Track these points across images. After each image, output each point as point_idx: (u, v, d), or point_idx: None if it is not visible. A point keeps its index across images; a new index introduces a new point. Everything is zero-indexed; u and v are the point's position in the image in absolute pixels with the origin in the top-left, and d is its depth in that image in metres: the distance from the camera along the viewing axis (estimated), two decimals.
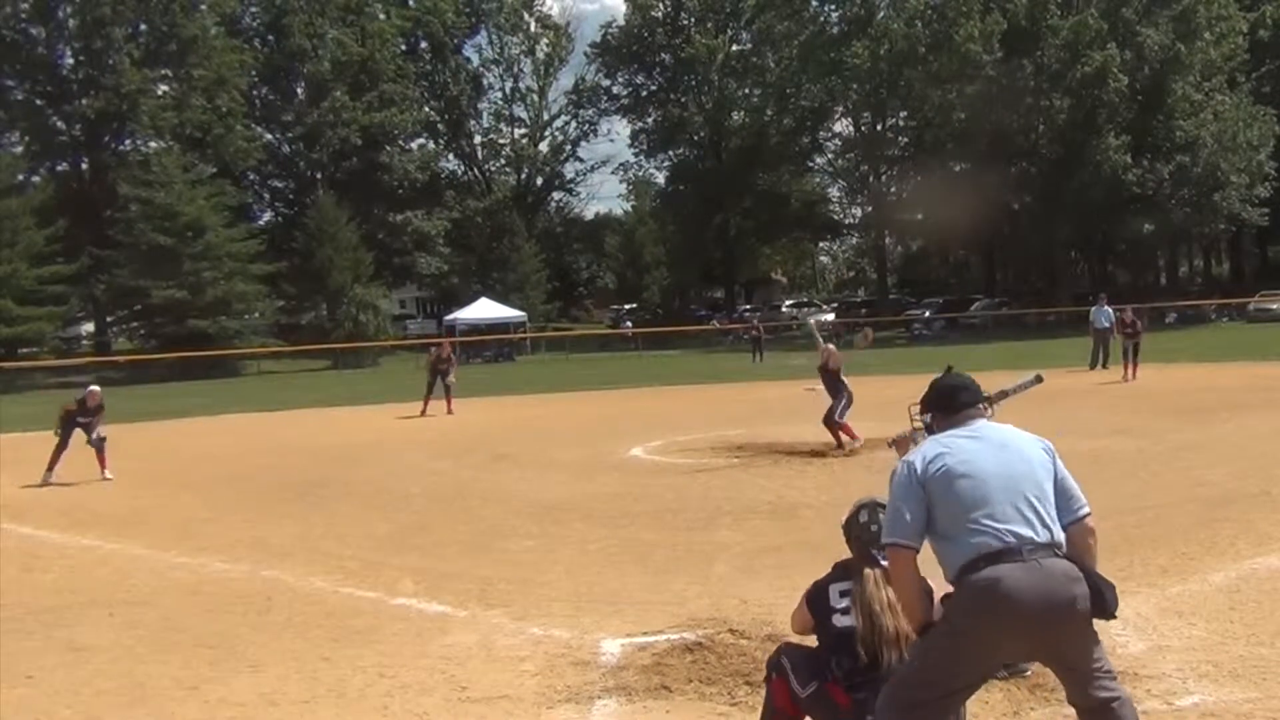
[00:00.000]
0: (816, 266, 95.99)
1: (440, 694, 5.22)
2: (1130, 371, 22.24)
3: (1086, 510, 3.73)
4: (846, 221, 68.59)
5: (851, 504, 4.39)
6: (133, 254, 44.78)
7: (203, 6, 52.39)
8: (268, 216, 61.81)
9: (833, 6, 58.07)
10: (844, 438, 12.88)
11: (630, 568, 7.72)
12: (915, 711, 3.48)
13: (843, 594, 4.22)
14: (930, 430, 3.91)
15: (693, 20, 63.61)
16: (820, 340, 14.25)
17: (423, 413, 20.93)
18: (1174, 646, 5.30)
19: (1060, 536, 3.57)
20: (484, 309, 51.64)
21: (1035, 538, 3.48)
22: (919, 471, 3.57)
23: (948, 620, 3.48)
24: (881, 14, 52.87)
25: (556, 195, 73.01)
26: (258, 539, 9.45)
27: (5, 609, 7.18)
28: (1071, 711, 4.60)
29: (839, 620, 4.17)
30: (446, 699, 5.16)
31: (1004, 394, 4.82)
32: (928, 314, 54.25)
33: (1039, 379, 5.30)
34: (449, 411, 20.83)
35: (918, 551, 3.53)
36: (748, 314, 60.65)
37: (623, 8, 67.30)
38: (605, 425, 17.96)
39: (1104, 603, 3.49)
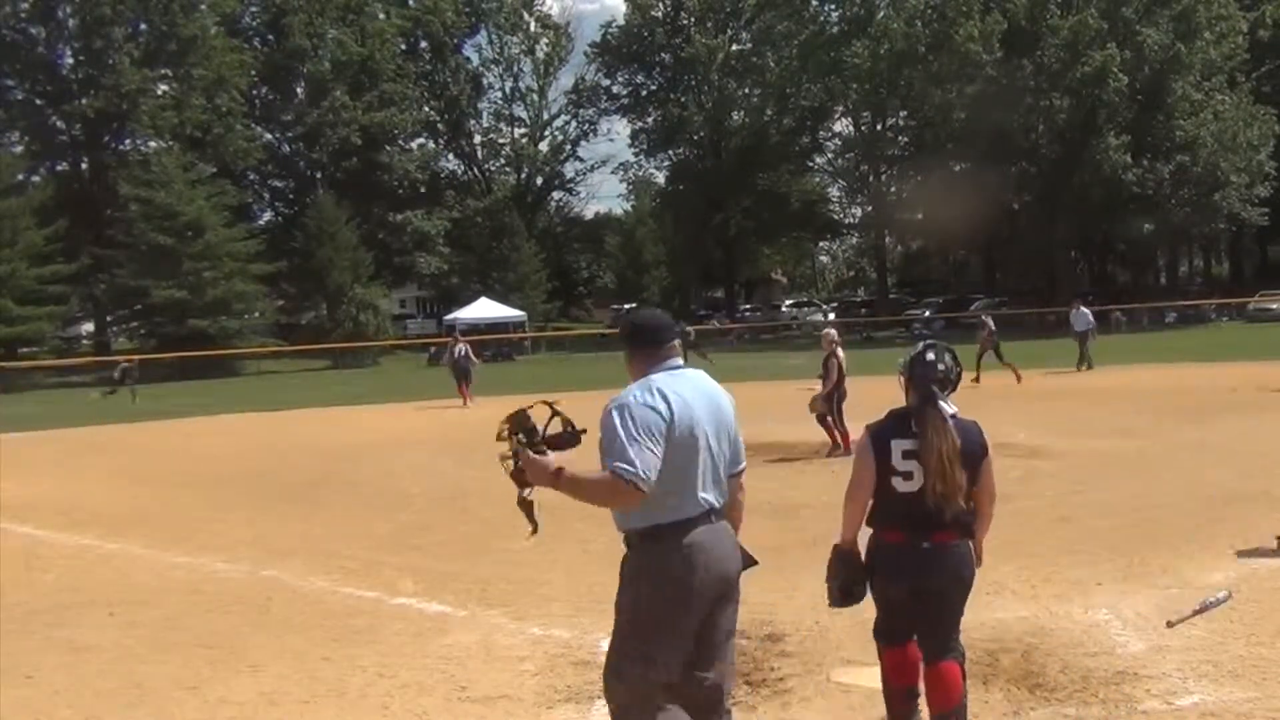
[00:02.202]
0: (816, 266, 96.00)
1: (440, 694, 5.22)
2: (979, 375, 22.18)
3: (744, 464, 3.79)
4: (846, 221, 68.60)
5: (917, 345, 4.28)
6: (133, 254, 44.80)
7: (203, 6, 52.36)
8: (268, 216, 61.86)
9: (833, 6, 58.10)
10: (839, 439, 12.87)
11: None
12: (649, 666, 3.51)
13: (906, 454, 4.03)
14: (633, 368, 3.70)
15: (693, 20, 63.58)
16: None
17: (465, 405, 22.56)
18: (1174, 646, 5.29)
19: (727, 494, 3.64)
20: (484, 309, 51.62)
21: (716, 503, 3.58)
22: (668, 410, 3.44)
23: (652, 569, 3.52)
24: (881, 14, 52.86)
25: (556, 195, 73.10)
26: (258, 539, 9.45)
27: (5, 609, 7.18)
28: (1072, 710, 4.62)
29: (901, 485, 4.03)
30: (446, 699, 5.16)
31: (1197, 611, 4.98)
32: (927, 314, 54.25)
33: (1229, 596, 5.22)
34: (466, 404, 22.51)
35: (647, 495, 3.42)
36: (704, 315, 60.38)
37: (623, 7, 67.37)
38: None
39: (750, 559, 3.79)
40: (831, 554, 4.32)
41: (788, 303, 71.63)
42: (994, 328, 23.47)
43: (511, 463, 3.70)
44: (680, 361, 3.68)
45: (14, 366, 40.65)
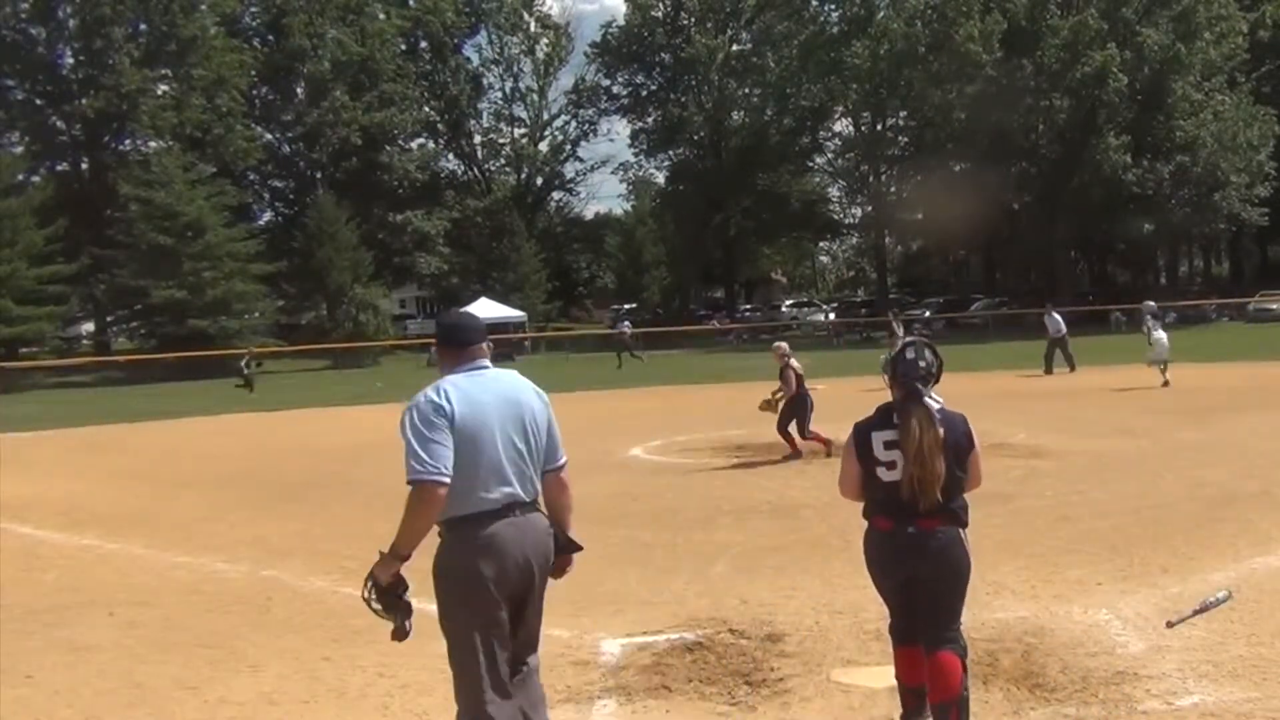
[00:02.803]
0: (816, 266, 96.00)
1: (440, 694, 5.21)
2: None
3: (565, 458, 4.02)
4: (846, 221, 68.59)
5: (897, 343, 4.44)
6: (133, 254, 44.77)
7: (203, 6, 52.33)
8: (268, 216, 61.82)
9: (833, 6, 58.10)
10: (800, 445, 12.72)
11: (630, 568, 7.71)
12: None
13: (888, 445, 4.16)
14: (438, 366, 3.93)
15: (693, 20, 63.57)
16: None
17: None
18: (1174, 646, 5.29)
19: (539, 489, 3.88)
20: (484, 309, 51.46)
21: (523, 496, 3.77)
22: (448, 409, 3.67)
23: (443, 583, 3.76)
24: (881, 14, 52.86)
25: (556, 195, 73.05)
26: (258, 539, 9.45)
27: (5, 609, 7.18)
28: (1072, 710, 4.62)
29: (884, 474, 4.17)
30: (446, 699, 5.12)
31: (1197, 611, 4.95)
32: (928, 314, 54.26)
33: (1229, 596, 5.23)
34: None
35: (448, 487, 3.62)
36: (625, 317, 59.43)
37: (623, 8, 67.37)
38: (605, 425, 17.95)
39: (570, 547, 4.04)
40: None
41: (788, 303, 71.63)
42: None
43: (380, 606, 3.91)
44: (485, 363, 3.90)
45: (14, 366, 40.64)
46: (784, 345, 13.34)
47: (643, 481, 11.70)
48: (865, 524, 4.34)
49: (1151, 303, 24.69)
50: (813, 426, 12.76)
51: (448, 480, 3.61)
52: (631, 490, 11.09)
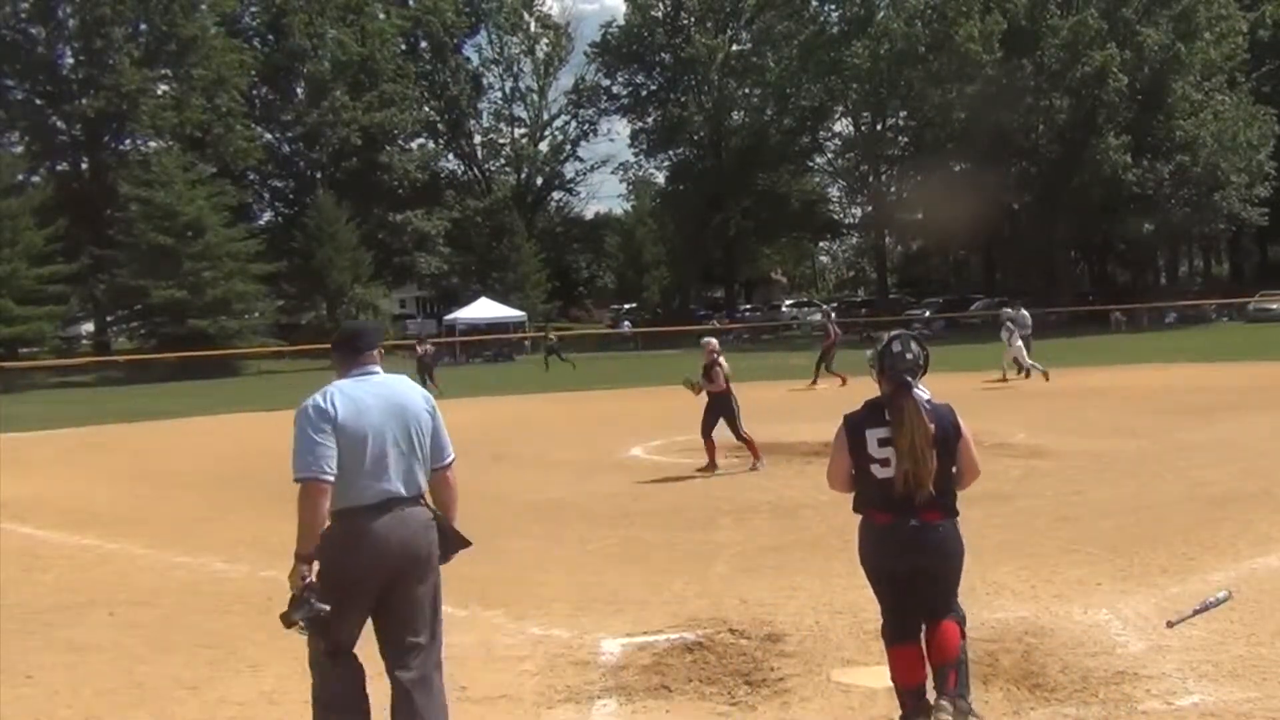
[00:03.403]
0: (816, 266, 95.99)
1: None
2: (817, 379, 23.09)
3: (452, 457, 4.34)
4: (846, 221, 68.62)
5: (882, 337, 4.48)
6: (133, 254, 44.77)
7: (203, 6, 52.36)
8: (268, 216, 61.79)
9: (833, 6, 58.12)
10: (716, 457, 12.13)
11: (630, 568, 7.72)
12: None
13: (882, 443, 4.20)
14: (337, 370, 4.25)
15: (693, 20, 63.56)
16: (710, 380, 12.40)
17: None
18: (1174, 646, 5.29)
19: (423, 487, 4.17)
20: (484, 309, 51.62)
21: (404, 492, 4.05)
22: (332, 412, 3.97)
23: (321, 563, 3.95)
24: (881, 14, 52.88)
25: (556, 195, 73.03)
26: (258, 539, 9.45)
27: (5, 609, 7.18)
28: (1072, 710, 4.62)
29: (879, 471, 4.21)
30: (446, 699, 5.15)
31: (1197, 611, 4.97)
32: (927, 314, 54.28)
33: (1229, 596, 5.25)
34: (437, 393, 23.30)
35: (333, 484, 3.91)
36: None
37: (623, 7, 67.35)
38: (605, 425, 17.96)
39: (454, 542, 4.29)
40: None
41: (788, 303, 71.60)
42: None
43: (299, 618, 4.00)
44: (375, 369, 4.22)
45: (14, 366, 40.64)
46: (714, 341, 12.76)
47: (643, 481, 11.70)
48: (859, 518, 4.37)
49: (1009, 309, 25.17)
50: (746, 431, 12.16)
51: (329, 478, 3.90)
52: (631, 490, 11.09)
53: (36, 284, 42.79)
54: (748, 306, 70.39)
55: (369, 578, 3.99)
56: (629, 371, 33.50)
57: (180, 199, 44.84)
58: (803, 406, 19.28)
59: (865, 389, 4.70)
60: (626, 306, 68.75)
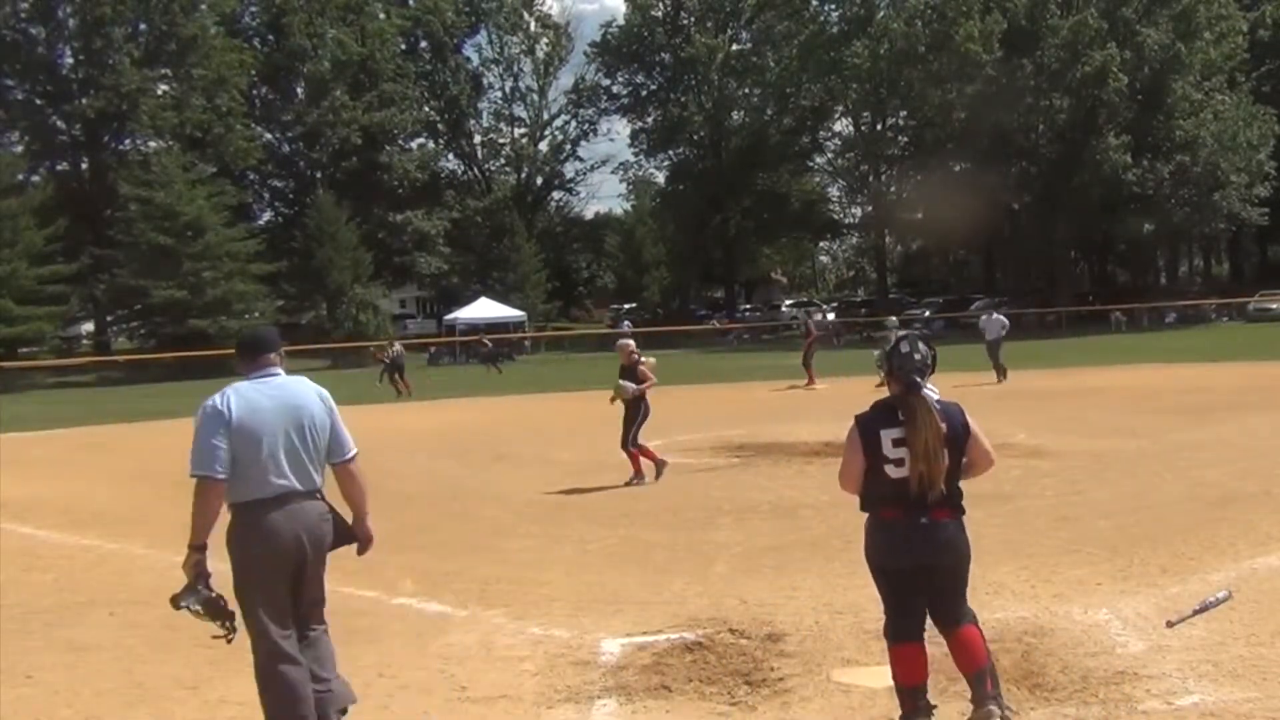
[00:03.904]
0: (816, 266, 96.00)
1: (440, 694, 5.22)
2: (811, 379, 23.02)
3: (354, 452, 4.57)
4: (846, 221, 68.64)
5: (890, 338, 4.54)
6: (133, 254, 44.78)
7: (203, 6, 52.37)
8: (268, 216, 61.89)
9: (833, 6, 58.12)
10: (644, 463, 11.51)
11: (630, 568, 7.72)
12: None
13: (896, 443, 4.23)
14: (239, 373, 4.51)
15: (693, 20, 63.60)
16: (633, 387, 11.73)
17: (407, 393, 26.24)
18: (1174, 646, 5.29)
19: (320, 481, 4.41)
20: (484, 309, 51.61)
21: (299, 487, 4.30)
22: (227, 413, 4.24)
23: (233, 552, 4.30)
24: (881, 14, 52.89)
25: (556, 195, 73.09)
26: None
27: (5, 609, 7.18)
28: (1072, 710, 4.62)
29: (893, 471, 4.24)
30: (446, 699, 5.16)
31: (1197, 611, 5.01)
32: (927, 314, 54.27)
33: (1229, 596, 5.26)
34: (409, 394, 26.18)
35: (224, 481, 4.19)
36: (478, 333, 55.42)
37: (622, 7, 67.38)
38: (605, 425, 17.94)
39: (349, 533, 4.54)
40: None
41: (787, 303, 71.62)
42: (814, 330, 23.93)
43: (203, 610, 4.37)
44: (276, 371, 4.49)
45: (14, 366, 40.64)
46: (631, 342, 12.23)
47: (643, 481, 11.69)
48: (866, 516, 4.39)
49: (893, 318, 25.30)
50: (639, 444, 11.53)
51: (222, 475, 4.19)
52: (631, 490, 11.09)
53: (36, 284, 42.79)
54: (748, 306, 70.39)
55: (275, 564, 4.29)
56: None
57: (180, 199, 44.84)
58: (803, 406, 19.28)
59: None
60: (626, 306, 68.75)
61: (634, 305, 68.62)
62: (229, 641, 4.38)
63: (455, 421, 19.78)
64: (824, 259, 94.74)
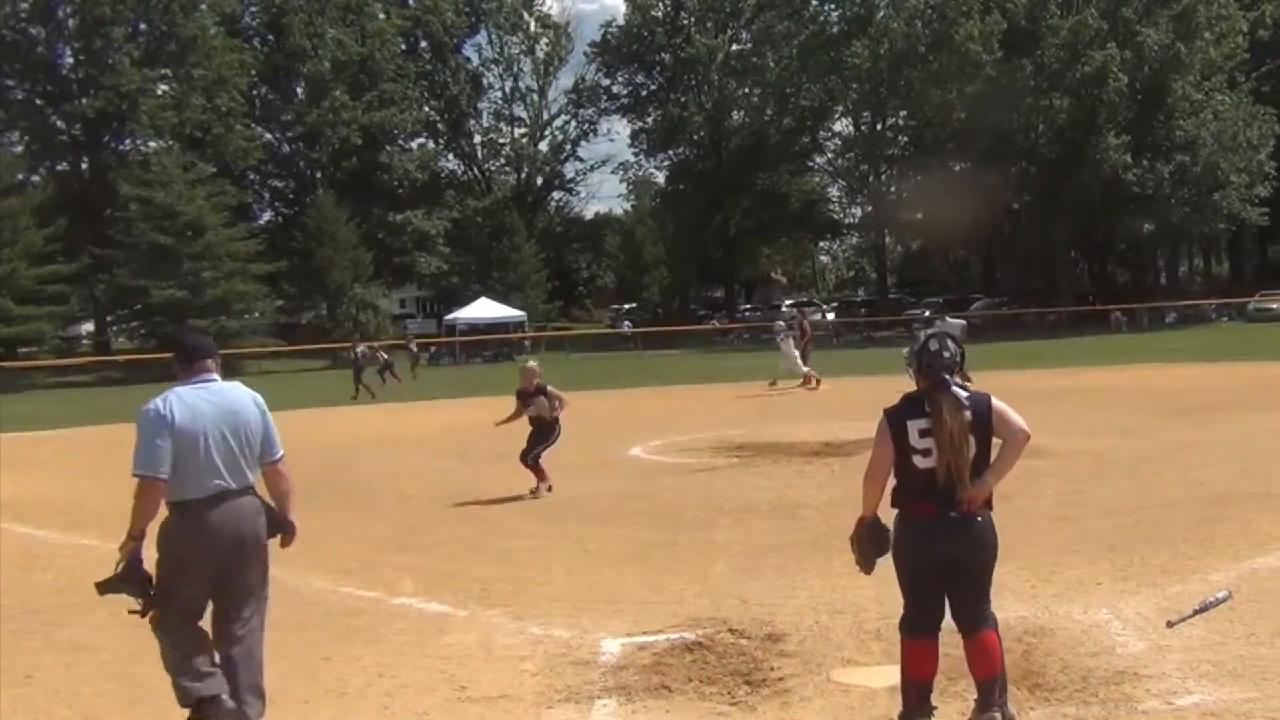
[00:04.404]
0: (816, 266, 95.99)
1: (440, 694, 5.22)
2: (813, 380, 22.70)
3: (281, 452, 4.83)
4: (846, 221, 68.61)
5: (919, 336, 4.54)
6: (133, 254, 44.80)
7: (203, 6, 52.39)
8: (268, 216, 61.93)
9: (833, 6, 58.11)
10: (544, 480, 11.09)
11: (630, 568, 7.71)
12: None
13: (923, 433, 4.28)
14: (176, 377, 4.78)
15: (693, 20, 63.60)
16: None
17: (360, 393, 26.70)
18: (1174, 646, 5.29)
19: (253, 480, 4.68)
20: (484, 309, 51.62)
21: (234, 485, 4.58)
22: (169, 417, 4.50)
23: (164, 546, 4.54)
24: (881, 14, 52.88)
25: (556, 195, 73.13)
26: None
27: (5, 609, 7.18)
28: (1072, 710, 4.62)
29: (920, 461, 4.28)
30: (446, 699, 5.16)
31: (1197, 611, 5.03)
32: (927, 314, 54.19)
33: (1229, 596, 5.28)
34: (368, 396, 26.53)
35: (166, 481, 4.45)
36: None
37: (622, 7, 67.41)
38: (605, 425, 17.96)
39: (281, 527, 4.83)
40: (857, 526, 4.47)
41: (787, 303, 71.61)
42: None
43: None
44: (212, 376, 4.76)
45: (14, 366, 40.64)
46: (537, 366, 11.67)
47: (643, 481, 11.69)
48: (895, 513, 4.39)
49: (781, 322, 24.99)
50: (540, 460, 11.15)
51: (163, 475, 4.44)
52: (631, 490, 11.09)
53: (36, 284, 42.80)
54: (748, 306, 70.37)
55: (205, 558, 4.55)
56: (629, 371, 33.48)
57: (180, 199, 44.85)
58: (802, 407, 19.29)
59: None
60: (626, 306, 68.75)
61: (634, 305, 68.65)
62: (143, 616, 4.68)
63: (455, 421, 19.77)
64: (824, 259, 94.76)
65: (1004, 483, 4.48)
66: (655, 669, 5.34)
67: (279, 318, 52.77)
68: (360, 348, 29.70)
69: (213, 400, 4.64)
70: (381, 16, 60.72)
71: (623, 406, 21.93)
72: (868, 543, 4.44)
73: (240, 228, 49.54)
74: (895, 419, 4.33)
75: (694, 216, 62.28)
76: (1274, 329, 37.06)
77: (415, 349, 38.87)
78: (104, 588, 4.63)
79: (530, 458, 11.12)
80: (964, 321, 23.16)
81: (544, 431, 11.16)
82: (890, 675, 5.00)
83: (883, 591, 5.20)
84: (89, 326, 54.80)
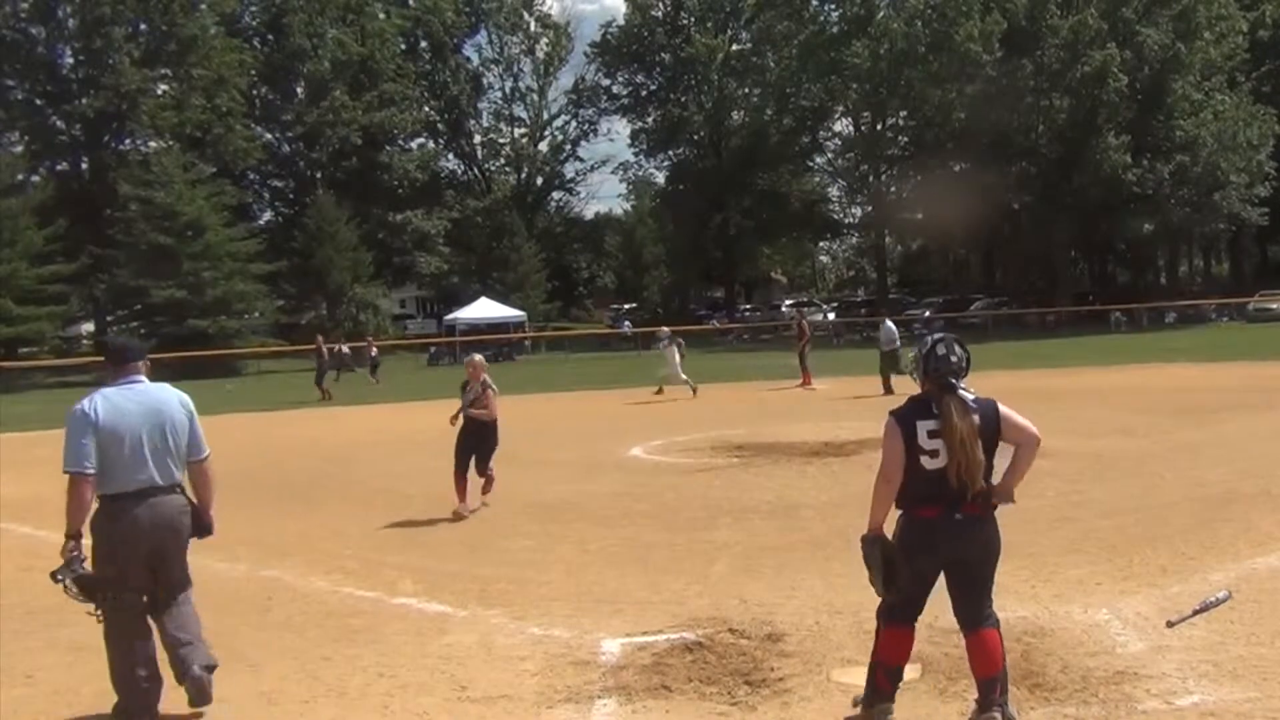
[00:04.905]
0: (816, 266, 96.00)
1: (440, 694, 5.23)
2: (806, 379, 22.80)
3: (207, 452, 5.15)
4: (846, 221, 68.63)
5: (926, 340, 4.59)
6: (133, 254, 44.78)
7: (203, 6, 52.37)
8: (268, 216, 61.92)
9: (833, 6, 58.10)
10: (480, 499, 10.24)
11: (630, 568, 7.71)
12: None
13: (931, 435, 4.31)
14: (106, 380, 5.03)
15: (693, 20, 63.61)
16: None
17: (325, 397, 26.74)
18: (1174, 646, 5.29)
19: (179, 478, 4.98)
20: (484, 309, 51.60)
21: (160, 482, 4.87)
22: (93, 416, 4.78)
23: (96, 536, 4.81)
24: (881, 14, 52.89)
25: (556, 195, 73.09)
26: (257, 539, 9.44)
27: (5, 609, 7.18)
28: (1072, 710, 4.63)
29: (929, 463, 4.31)
30: (446, 699, 5.16)
31: (1197, 611, 5.03)
32: (927, 314, 54.24)
33: (1229, 596, 5.28)
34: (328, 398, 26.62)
35: (93, 477, 4.74)
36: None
37: (623, 7, 67.48)
38: (605, 425, 17.96)
39: (201, 525, 5.06)
40: (865, 545, 4.45)
41: (787, 303, 71.64)
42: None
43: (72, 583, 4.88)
44: (139, 378, 5.02)
45: (14, 366, 40.63)
46: (480, 358, 11.12)
47: (643, 481, 11.69)
48: (900, 514, 4.42)
49: (665, 329, 25.08)
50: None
51: (90, 472, 4.73)
52: (631, 490, 11.09)
53: (36, 284, 42.79)
54: (748, 306, 70.38)
55: (133, 548, 4.82)
56: (629, 371, 33.46)
57: (180, 199, 44.85)
58: (802, 407, 19.28)
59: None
60: (626, 306, 68.74)
61: (634, 305, 68.62)
62: (99, 620, 4.91)
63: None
64: (824, 259, 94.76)
65: None
66: (655, 669, 5.34)
67: (279, 318, 52.73)
68: (326, 348, 29.68)
69: (138, 400, 4.91)
70: (381, 16, 60.72)
71: (623, 406, 21.92)
72: (876, 561, 4.41)
73: (240, 228, 49.55)
74: (905, 419, 4.35)
75: (694, 216, 62.30)
76: (1274, 329, 37.05)
77: (376, 352, 37.67)
78: (54, 576, 4.86)
79: (487, 468, 10.21)
80: (892, 328, 21.42)
81: (488, 434, 10.26)
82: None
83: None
84: (89, 326, 54.78)
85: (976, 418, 4.33)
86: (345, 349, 37.13)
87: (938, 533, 4.32)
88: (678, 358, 22.99)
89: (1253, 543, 7.45)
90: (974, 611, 4.41)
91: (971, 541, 4.38)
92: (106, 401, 4.87)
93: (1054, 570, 6.95)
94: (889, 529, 4.46)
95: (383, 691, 5.29)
